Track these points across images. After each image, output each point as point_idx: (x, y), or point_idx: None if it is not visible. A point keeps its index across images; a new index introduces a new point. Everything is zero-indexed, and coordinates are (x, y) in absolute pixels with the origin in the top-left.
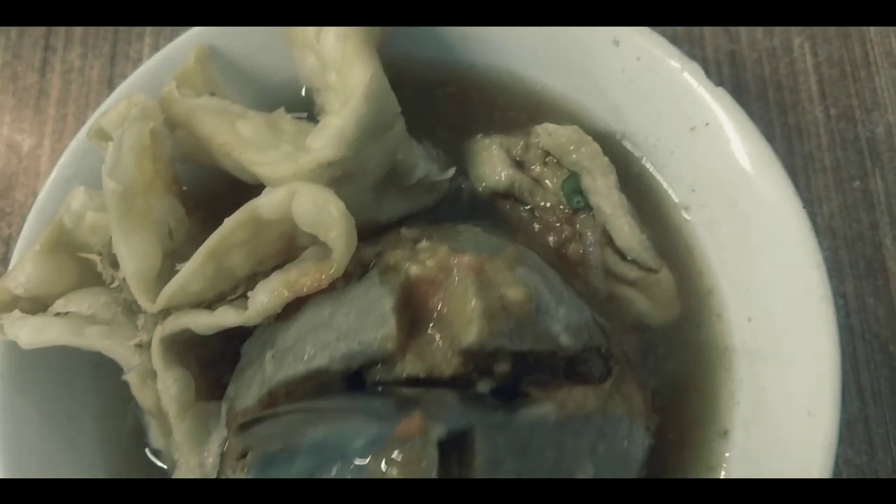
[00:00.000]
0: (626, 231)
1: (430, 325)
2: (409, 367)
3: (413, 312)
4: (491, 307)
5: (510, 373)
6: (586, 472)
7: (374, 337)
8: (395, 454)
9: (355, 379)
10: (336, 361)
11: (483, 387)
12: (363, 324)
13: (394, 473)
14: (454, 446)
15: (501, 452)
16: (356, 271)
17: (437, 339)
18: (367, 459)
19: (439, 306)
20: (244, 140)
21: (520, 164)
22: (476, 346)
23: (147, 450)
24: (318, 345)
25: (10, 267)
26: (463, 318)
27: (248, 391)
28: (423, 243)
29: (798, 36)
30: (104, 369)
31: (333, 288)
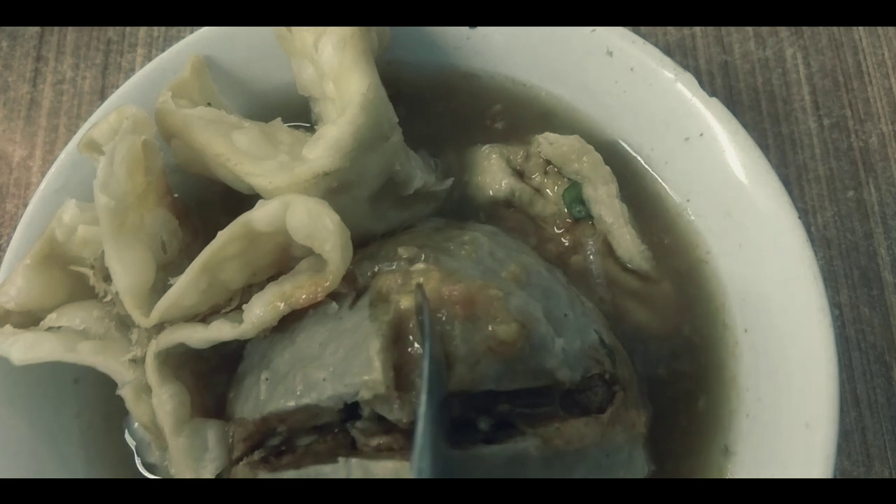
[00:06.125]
0: (628, 240)
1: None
2: (404, 413)
3: (403, 347)
4: (475, 352)
5: (509, 410)
6: None
7: (361, 381)
8: None
9: (351, 408)
10: (325, 401)
11: (484, 424)
12: (350, 365)
13: None
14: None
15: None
16: (350, 293)
17: None
18: None
19: None
20: (240, 151)
21: (520, 174)
22: (458, 392)
23: (139, 463)
24: (307, 383)
25: (0, 279)
26: (446, 361)
27: (245, 403)
28: (419, 265)
29: (791, 46)
30: (83, 384)
31: (330, 301)
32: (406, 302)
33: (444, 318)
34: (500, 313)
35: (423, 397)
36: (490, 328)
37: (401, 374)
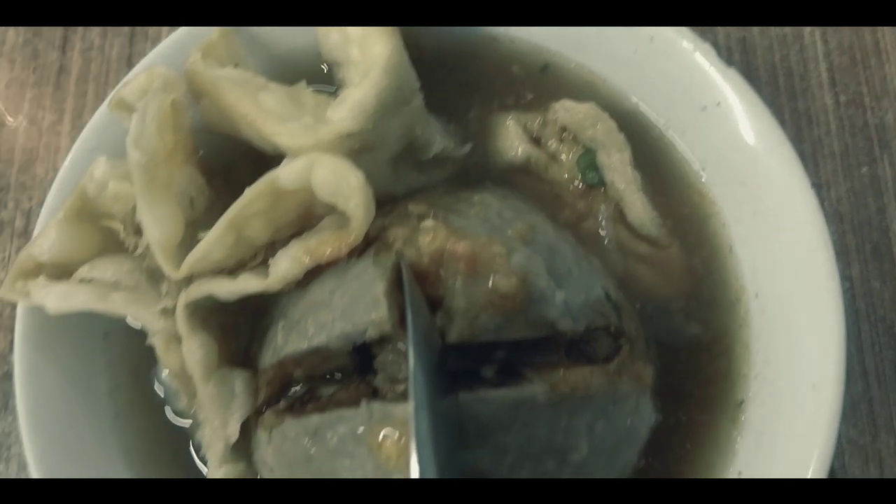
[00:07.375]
0: (639, 207)
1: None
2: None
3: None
4: (475, 306)
5: (507, 356)
6: (580, 451)
7: (368, 320)
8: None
9: (362, 350)
10: (333, 340)
11: (488, 372)
12: (357, 306)
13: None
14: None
15: (488, 427)
16: (359, 246)
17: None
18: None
19: (436, 291)
20: (266, 111)
21: (536, 140)
22: (458, 343)
23: (168, 409)
24: (317, 324)
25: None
26: (447, 315)
27: (265, 353)
28: (427, 222)
29: None
30: (112, 339)
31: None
32: (410, 253)
33: (446, 274)
34: (501, 268)
35: (411, 354)
36: (490, 282)
37: (404, 317)
